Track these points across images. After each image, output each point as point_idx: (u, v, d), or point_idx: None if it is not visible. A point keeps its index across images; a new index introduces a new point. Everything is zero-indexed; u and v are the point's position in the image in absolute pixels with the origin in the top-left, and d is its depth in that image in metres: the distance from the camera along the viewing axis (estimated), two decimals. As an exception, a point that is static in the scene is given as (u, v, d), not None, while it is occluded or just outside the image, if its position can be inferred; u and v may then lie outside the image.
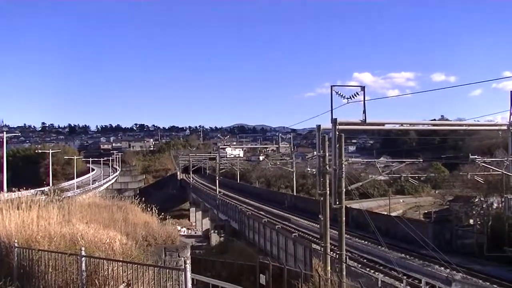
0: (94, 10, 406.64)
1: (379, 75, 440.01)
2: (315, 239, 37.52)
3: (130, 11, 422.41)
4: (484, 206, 43.61)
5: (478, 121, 37.12)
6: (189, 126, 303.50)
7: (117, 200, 23.75)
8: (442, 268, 28.95)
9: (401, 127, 30.30)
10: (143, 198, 22.79)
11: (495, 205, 42.92)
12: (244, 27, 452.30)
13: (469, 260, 32.19)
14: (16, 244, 12.35)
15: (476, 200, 45.99)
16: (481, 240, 35.92)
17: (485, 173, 40.23)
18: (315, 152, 31.22)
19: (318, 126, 25.54)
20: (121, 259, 11.48)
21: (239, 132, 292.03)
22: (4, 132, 65.81)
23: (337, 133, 23.86)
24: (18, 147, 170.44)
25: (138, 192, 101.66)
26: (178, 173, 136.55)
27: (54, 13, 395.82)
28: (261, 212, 55.86)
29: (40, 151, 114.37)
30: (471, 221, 42.97)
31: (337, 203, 24.07)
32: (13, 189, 27.50)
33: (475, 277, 27.73)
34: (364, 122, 24.56)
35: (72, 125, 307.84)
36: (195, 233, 78.50)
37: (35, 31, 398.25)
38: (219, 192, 68.08)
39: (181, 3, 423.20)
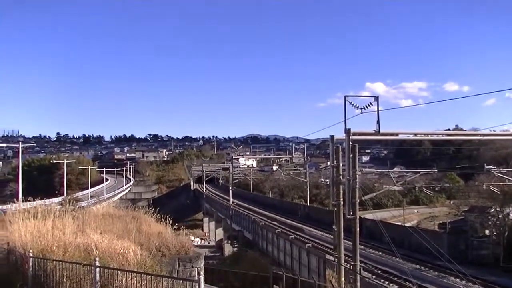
0: (107, 19, 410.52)
1: (391, 85, 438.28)
2: (328, 250, 37.32)
3: (143, 22, 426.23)
4: (500, 216, 43.08)
5: (493, 130, 36.78)
6: (203, 137, 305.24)
7: (131, 210, 23.80)
8: (458, 279, 28.57)
9: (415, 137, 29.96)
10: (157, 208, 22.77)
11: (511, 215, 42.43)
12: (257, 38, 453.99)
13: (484, 272, 31.83)
14: (31, 254, 12.44)
15: (492, 210, 45.43)
16: (497, 251, 35.53)
17: (501, 183, 39.85)
18: (328, 163, 31.08)
19: (332, 137, 25.46)
20: (135, 270, 11.51)
21: (252, 143, 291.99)
22: (20, 143, 66.49)
23: (350, 143, 23.76)
24: (33, 157, 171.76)
25: (151, 202, 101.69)
26: (192, 183, 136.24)
27: (67, 23, 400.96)
28: (275, 223, 55.65)
29: (54, 161, 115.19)
30: (487, 232, 42.43)
31: (351, 213, 23.93)
32: (28, 198, 27.71)
33: (491, 289, 27.41)
34: (378, 133, 24.41)
35: (87, 135, 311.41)
36: (209, 243, 78.51)
37: (49, 42, 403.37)
38: (233, 202, 67.96)
39: (195, 12, 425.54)
